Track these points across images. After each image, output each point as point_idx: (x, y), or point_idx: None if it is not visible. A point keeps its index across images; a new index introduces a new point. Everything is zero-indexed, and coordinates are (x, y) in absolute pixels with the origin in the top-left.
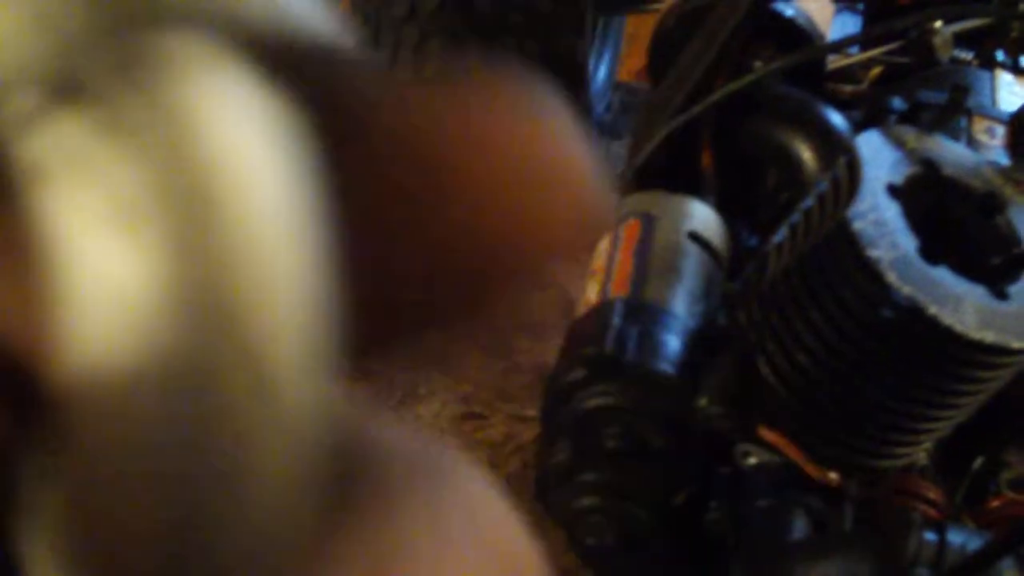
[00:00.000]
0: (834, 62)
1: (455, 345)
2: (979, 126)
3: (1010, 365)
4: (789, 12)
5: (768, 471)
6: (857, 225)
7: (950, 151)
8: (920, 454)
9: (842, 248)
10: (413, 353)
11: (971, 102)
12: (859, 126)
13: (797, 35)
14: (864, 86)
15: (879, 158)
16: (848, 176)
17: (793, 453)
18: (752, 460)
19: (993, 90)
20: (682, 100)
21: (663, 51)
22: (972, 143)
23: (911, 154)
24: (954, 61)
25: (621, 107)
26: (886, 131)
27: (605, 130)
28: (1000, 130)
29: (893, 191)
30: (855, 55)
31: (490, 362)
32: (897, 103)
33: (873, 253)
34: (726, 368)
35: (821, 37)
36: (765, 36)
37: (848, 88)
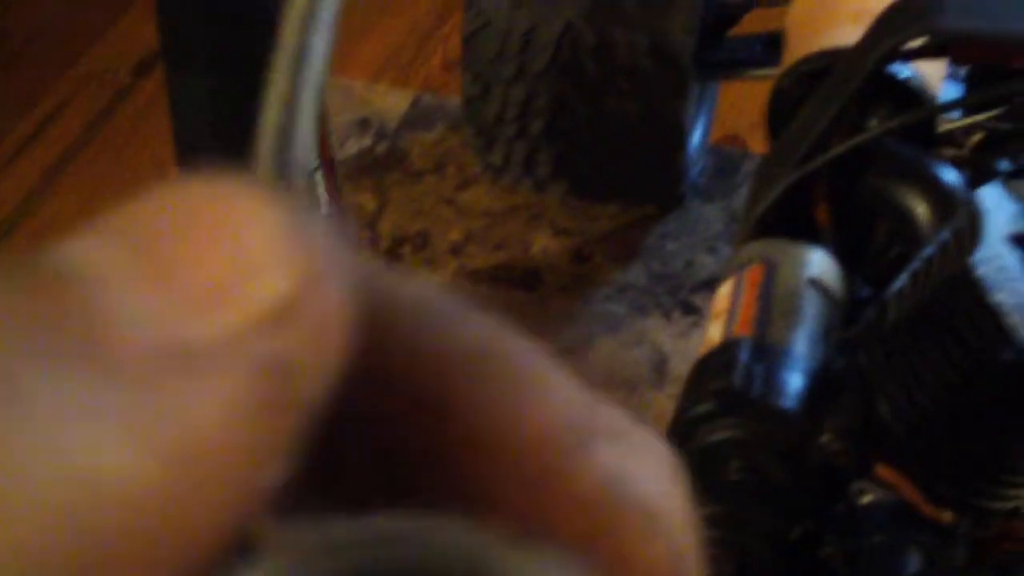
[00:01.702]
0: (937, 126)
1: None
2: None
3: None
4: (905, 74)
5: (883, 508)
6: (980, 271)
7: None
8: None
9: (965, 293)
10: None
11: None
12: (969, 185)
13: (911, 96)
14: (965, 151)
15: (999, 209)
16: (970, 225)
17: (909, 491)
18: (867, 497)
19: None
20: (802, 155)
21: (780, 110)
22: None
23: None
24: None
25: (713, 170)
26: (1005, 184)
27: (699, 193)
28: None
29: (1015, 240)
30: (958, 120)
31: None
32: (1004, 165)
33: (996, 298)
34: (847, 407)
35: (934, 98)
36: (881, 95)
37: (950, 152)
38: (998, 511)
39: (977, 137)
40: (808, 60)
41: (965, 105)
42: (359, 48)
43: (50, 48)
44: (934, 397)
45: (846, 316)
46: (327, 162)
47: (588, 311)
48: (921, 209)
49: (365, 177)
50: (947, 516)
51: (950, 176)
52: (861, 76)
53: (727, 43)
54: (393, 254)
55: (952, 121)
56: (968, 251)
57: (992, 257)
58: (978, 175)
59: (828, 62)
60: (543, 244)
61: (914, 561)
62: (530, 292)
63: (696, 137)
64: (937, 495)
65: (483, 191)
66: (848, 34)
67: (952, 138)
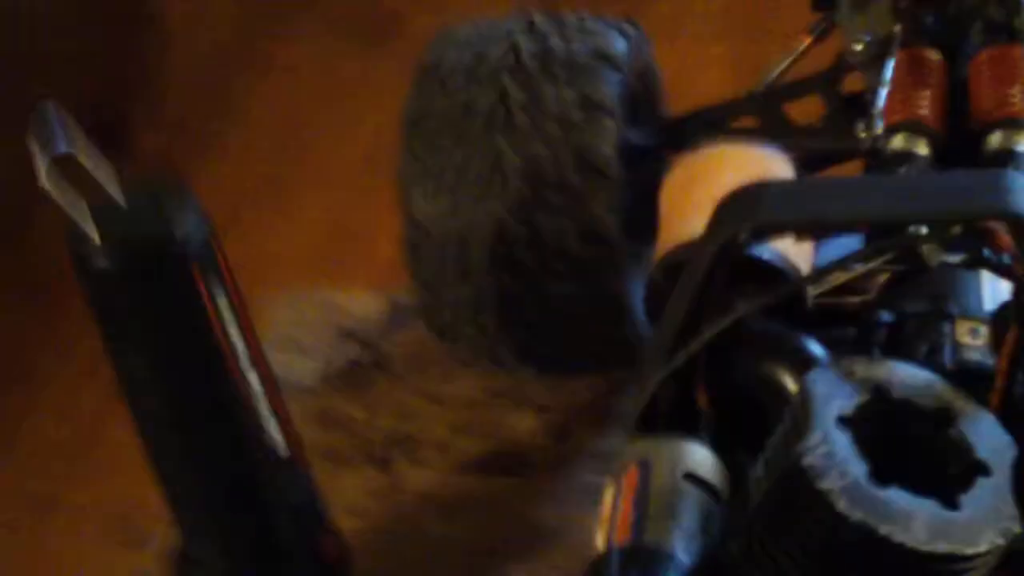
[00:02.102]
0: (838, 277)
1: None
2: (962, 328)
3: (969, 571)
4: (765, 255)
5: None
6: (807, 460)
7: (900, 373)
8: None
9: (797, 481)
10: None
11: (955, 305)
12: (851, 343)
13: (772, 274)
14: (871, 295)
15: (831, 392)
16: (801, 412)
17: None
18: None
19: (980, 290)
20: (668, 348)
21: (656, 303)
22: (956, 346)
23: (862, 383)
24: (943, 265)
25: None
26: (837, 365)
27: None
28: (983, 330)
29: (843, 422)
30: (857, 269)
31: None
32: (885, 316)
33: (823, 485)
34: None
35: (797, 272)
36: (746, 278)
37: (855, 299)
38: None
39: (882, 278)
40: (669, 254)
41: (811, 281)
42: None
43: None
44: None
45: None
46: (280, 409)
47: (573, 486)
48: (791, 384)
49: (352, 388)
50: None
51: (815, 348)
52: (705, 269)
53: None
54: (384, 460)
55: (848, 271)
56: (799, 439)
57: (820, 443)
58: (862, 331)
59: (687, 255)
60: (527, 425)
61: None
62: (517, 476)
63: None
64: None
65: (465, 382)
66: (704, 223)
67: (854, 288)
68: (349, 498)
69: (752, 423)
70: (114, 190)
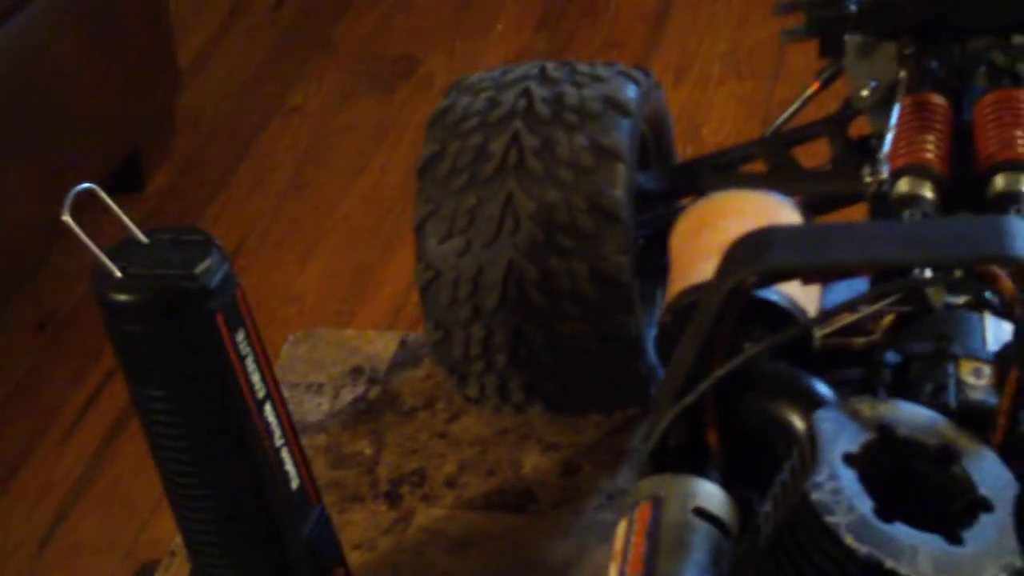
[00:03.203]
0: (844, 320)
1: None
2: (966, 368)
3: None
4: (772, 297)
5: None
6: (815, 496)
7: (905, 413)
8: None
9: (806, 517)
10: None
11: (959, 346)
12: (857, 384)
13: (779, 316)
14: (877, 336)
15: (837, 430)
16: (808, 450)
17: None
18: None
19: (983, 331)
20: (680, 388)
21: (668, 345)
22: (960, 386)
23: (868, 422)
24: (947, 307)
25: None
26: (843, 405)
27: None
28: (987, 370)
29: (849, 459)
30: (862, 311)
31: None
32: (891, 357)
33: (830, 520)
34: None
35: (804, 314)
36: (754, 320)
37: (861, 340)
38: None
39: (888, 320)
40: (680, 296)
41: (817, 323)
42: (364, 299)
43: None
44: None
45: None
46: (293, 440)
47: (581, 523)
48: (799, 424)
49: (361, 423)
50: None
51: (821, 389)
52: (714, 312)
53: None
54: (393, 495)
55: (855, 313)
56: (806, 476)
57: (827, 479)
58: (869, 371)
59: (695, 297)
60: (533, 462)
61: None
62: (524, 513)
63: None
64: None
65: (472, 420)
66: (713, 268)
67: (860, 329)
68: (357, 533)
69: (761, 461)
70: (134, 228)
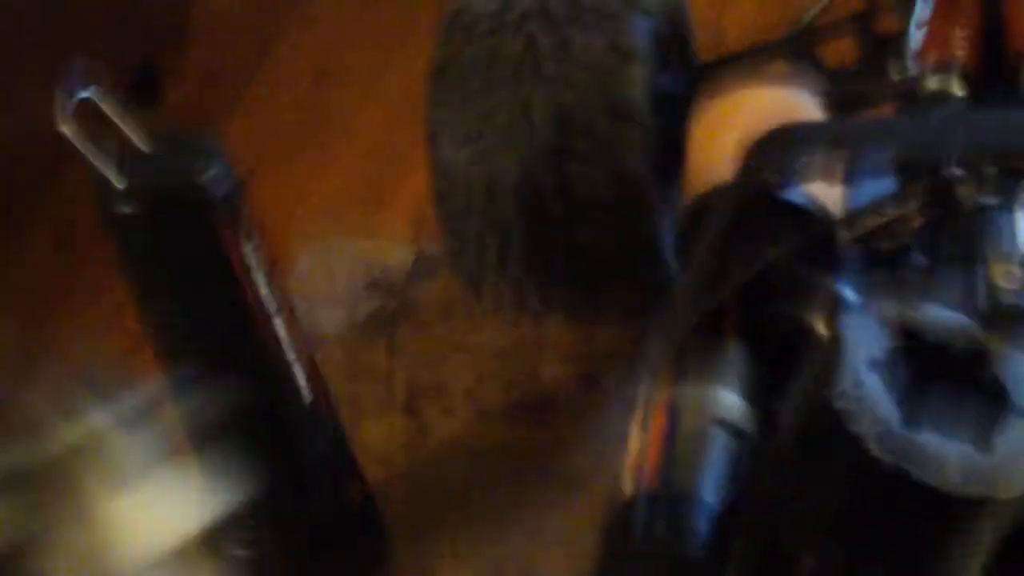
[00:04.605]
0: (872, 219)
1: (573, 524)
2: (997, 271)
3: (1001, 517)
4: (795, 198)
5: None
6: (839, 403)
7: (933, 317)
8: None
9: (828, 425)
10: (534, 537)
11: (990, 248)
12: (882, 287)
13: (804, 218)
14: (904, 238)
15: (863, 336)
16: (832, 355)
17: None
18: None
19: (1014, 233)
20: (699, 293)
21: (684, 249)
22: (990, 289)
23: (894, 327)
24: (978, 207)
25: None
26: (868, 308)
27: None
28: (1018, 272)
29: (875, 365)
30: (889, 213)
31: None
32: (919, 260)
33: (855, 428)
34: (750, 546)
35: (827, 215)
36: (777, 222)
37: (887, 244)
38: None
39: (916, 222)
40: (698, 199)
41: (847, 224)
42: (387, 207)
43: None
44: (822, 529)
45: (762, 444)
46: (305, 355)
47: (599, 433)
48: (820, 328)
49: (378, 336)
50: None
51: (846, 293)
52: (733, 213)
53: None
54: (410, 408)
55: (885, 214)
56: (829, 381)
57: (852, 386)
58: (895, 274)
59: (714, 199)
60: (552, 374)
61: None
62: (543, 424)
63: None
64: None
65: (490, 331)
66: (732, 168)
67: (889, 229)
68: (374, 446)
69: (781, 369)
70: (139, 138)
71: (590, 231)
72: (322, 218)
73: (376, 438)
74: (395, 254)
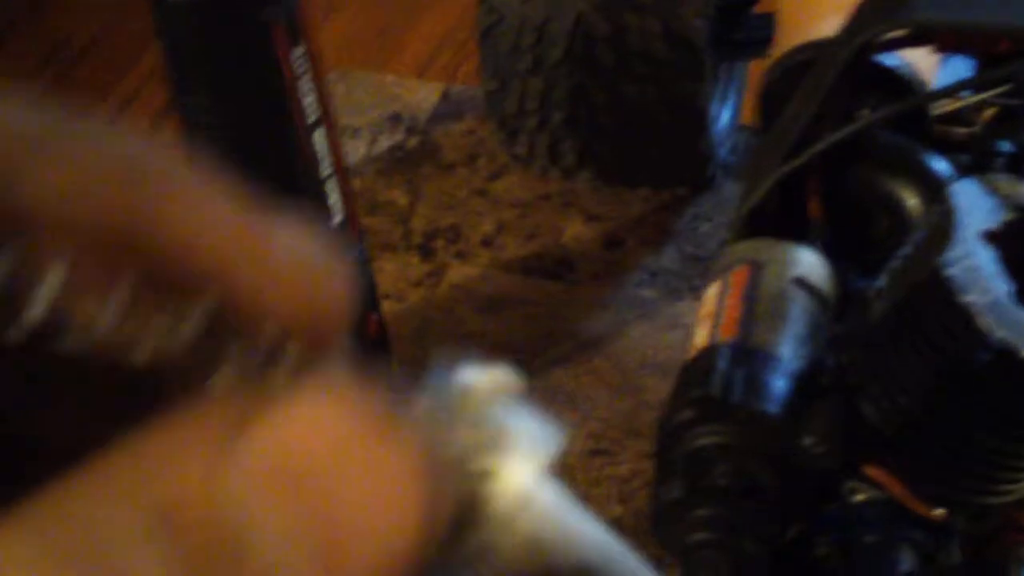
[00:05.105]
0: (946, 106)
1: (583, 382)
2: None
3: None
4: (892, 63)
5: (875, 507)
6: (950, 271)
7: None
8: None
9: (936, 294)
10: (542, 391)
11: None
12: (968, 170)
13: (900, 85)
14: (977, 128)
15: (975, 206)
16: (942, 223)
17: (898, 490)
18: (859, 497)
19: None
20: (788, 150)
21: (771, 103)
22: None
23: (1007, 200)
24: None
25: (745, 150)
26: (982, 179)
27: (730, 173)
28: None
29: (988, 237)
30: (966, 98)
31: (618, 399)
32: (1005, 147)
33: (966, 298)
34: (830, 409)
35: (924, 85)
36: (870, 86)
37: (961, 131)
38: (995, 505)
39: (989, 113)
40: (792, 53)
41: (952, 94)
42: (401, 46)
43: (112, 50)
44: (914, 398)
45: (842, 311)
46: (340, 171)
47: (621, 297)
48: (912, 201)
49: (397, 173)
50: (939, 513)
51: (940, 166)
52: (839, 70)
53: (749, 21)
54: (426, 248)
55: (960, 99)
56: (940, 251)
57: (964, 256)
58: (980, 158)
59: (811, 54)
60: (575, 231)
61: (907, 559)
62: (562, 280)
63: (724, 117)
64: (927, 493)
65: (514, 180)
66: (833, 26)
67: (963, 117)
68: (388, 282)
69: (864, 238)
70: None
71: (638, 86)
72: (346, 49)
73: (390, 274)
74: (419, 91)
